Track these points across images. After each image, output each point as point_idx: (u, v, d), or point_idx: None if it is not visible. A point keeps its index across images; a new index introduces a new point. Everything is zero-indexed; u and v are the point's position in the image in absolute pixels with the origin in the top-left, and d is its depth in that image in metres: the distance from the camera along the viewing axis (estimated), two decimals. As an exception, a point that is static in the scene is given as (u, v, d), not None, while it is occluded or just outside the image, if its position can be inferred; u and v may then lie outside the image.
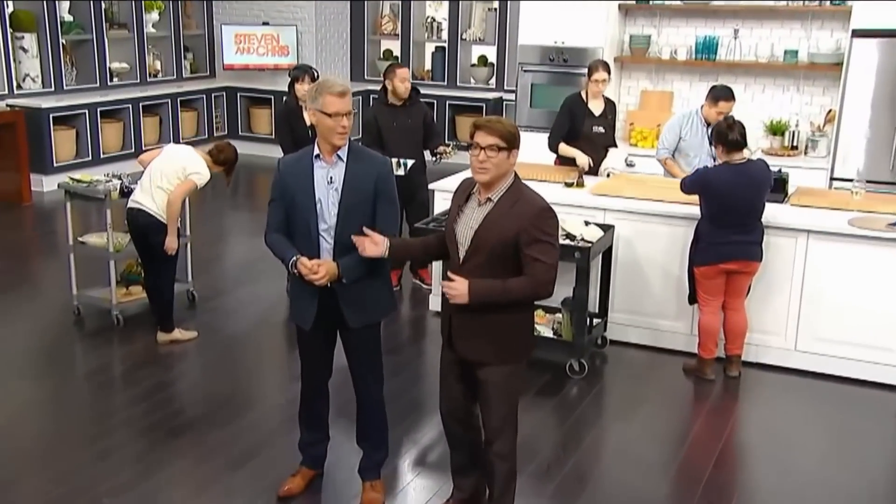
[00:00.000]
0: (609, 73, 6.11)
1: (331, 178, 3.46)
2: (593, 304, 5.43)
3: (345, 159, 3.48)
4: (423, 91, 6.60)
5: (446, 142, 6.39)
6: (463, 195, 3.33)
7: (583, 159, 6.09)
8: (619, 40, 8.30)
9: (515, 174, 3.25)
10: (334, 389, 3.94)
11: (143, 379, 4.99)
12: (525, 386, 4.86)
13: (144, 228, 5.27)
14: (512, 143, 3.15)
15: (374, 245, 3.39)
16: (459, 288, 3.16)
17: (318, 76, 6.00)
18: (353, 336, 3.64)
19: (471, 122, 3.47)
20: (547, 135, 6.28)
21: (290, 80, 6.02)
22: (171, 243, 5.25)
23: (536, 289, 3.14)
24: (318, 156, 3.49)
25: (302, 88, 5.88)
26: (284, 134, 5.93)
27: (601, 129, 6.19)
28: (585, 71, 6.25)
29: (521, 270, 3.15)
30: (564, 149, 6.18)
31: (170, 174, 5.24)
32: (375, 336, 3.70)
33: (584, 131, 6.16)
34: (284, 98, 6.24)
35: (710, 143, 5.34)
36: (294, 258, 3.46)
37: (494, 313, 3.20)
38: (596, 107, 6.19)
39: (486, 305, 3.17)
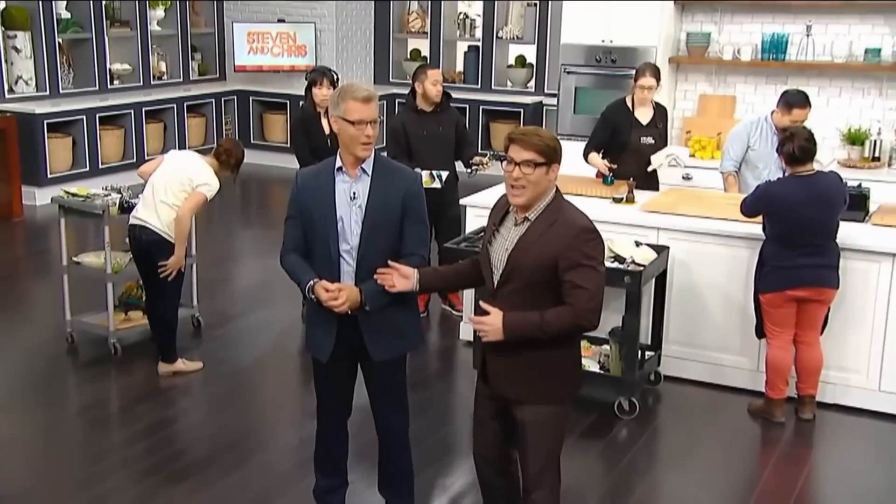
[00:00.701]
0: (658, 78, 6.08)
1: (354, 193, 3.46)
2: (645, 335, 5.37)
3: (370, 173, 3.47)
4: (454, 95, 6.60)
5: (481, 152, 6.38)
6: (499, 213, 3.31)
7: (600, 166, 6.14)
8: (675, 39, 8.26)
9: (557, 189, 3.23)
10: (354, 429, 3.91)
11: (143, 415, 5.00)
12: (568, 428, 4.80)
13: (148, 247, 5.30)
14: (552, 157, 3.13)
15: (402, 279, 3.39)
16: (493, 323, 3.13)
17: (338, 79, 6.03)
18: (375, 370, 3.62)
19: (507, 129, 3.46)
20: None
21: (307, 83, 6.06)
22: (176, 263, 5.28)
23: (578, 320, 3.10)
24: (340, 168, 3.49)
25: (320, 93, 5.91)
26: (301, 143, 5.96)
27: (650, 140, 6.14)
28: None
29: (562, 297, 3.12)
30: (593, 159, 6.20)
31: (175, 187, 5.27)
32: (400, 370, 3.68)
33: (630, 142, 6.11)
34: (301, 103, 6.28)
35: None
36: (311, 282, 3.46)
37: (534, 346, 3.16)
38: (643, 115, 6.15)
39: (523, 340, 3.14)
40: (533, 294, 3.13)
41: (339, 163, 3.49)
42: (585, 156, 6.24)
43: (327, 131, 5.77)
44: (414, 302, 3.67)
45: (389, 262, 3.42)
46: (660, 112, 6.25)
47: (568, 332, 3.16)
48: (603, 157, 6.22)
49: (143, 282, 5.57)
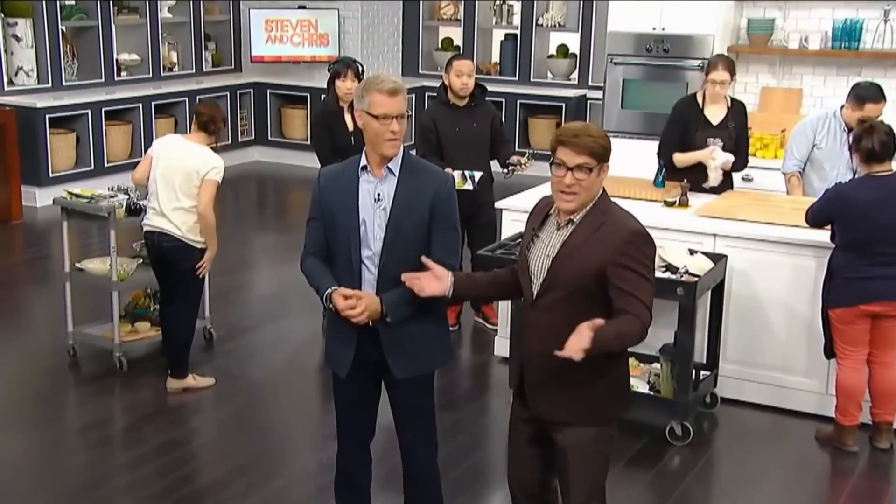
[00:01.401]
0: (732, 72, 5.92)
1: (378, 194, 3.48)
2: (700, 353, 5.34)
3: (397, 173, 3.49)
4: (489, 88, 6.60)
5: (519, 150, 6.37)
6: (539, 216, 3.31)
7: (703, 154, 5.91)
8: (735, 26, 8.21)
9: (602, 189, 3.23)
10: (378, 452, 3.92)
11: (150, 436, 5.04)
12: (615, 454, 4.78)
13: (169, 255, 5.36)
14: (604, 157, 3.14)
15: (435, 281, 3.36)
16: (579, 342, 2.99)
17: (363, 71, 6.06)
18: (399, 389, 3.63)
19: (547, 125, 3.44)
20: (647, 142, 6.19)
21: (329, 75, 6.09)
22: (211, 258, 5.38)
23: (643, 332, 3.09)
24: (364, 167, 3.52)
25: (344, 86, 5.94)
26: (322, 141, 5.99)
27: (719, 143, 6.00)
28: (690, 64, 6.18)
29: (609, 307, 3.11)
30: (681, 158, 6.02)
31: (184, 188, 5.31)
32: (427, 389, 3.68)
33: (695, 145, 6.01)
34: (322, 97, 6.30)
35: (851, 153, 5.22)
36: (329, 289, 3.47)
37: (575, 362, 3.11)
38: (714, 114, 6.03)
39: (554, 335, 3.10)
40: (576, 304, 3.13)
41: (363, 161, 3.51)
42: (668, 160, 6.05)
43: (351, 128, 5.80)
44: (442, 313, 3.66)
45: (423, 258, 3.39)
46: (736, 111, 6.07)
47: (632, 345, 3.15)
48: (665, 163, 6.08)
49: (161, 290, 5.61)
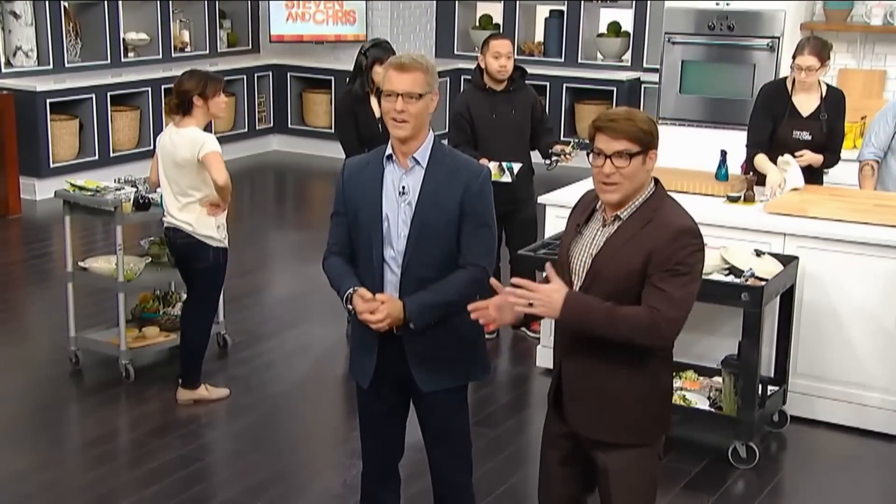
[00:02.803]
0: (822, 57, 5.74)
1: (403, 187, 3.49)
2: (767, 366, 5.30)
3: (424, 164, 3.49)
4: (531, 71, 6.58)
5: (563, 139, 6.36)
6: (585, 211, 3.31)
7: (775, 178, 5.76)
8: (810, 1, 8.13)
9: (656, 181, 3.22)
10: (407, 474, 3.93)
11: (158, 451, 5.06)
12: (665, 477, 4.76)
13: (183, 252, 5.43)
14: (648, 143, 3.13)
15: (510, 308, 3.21)
16: (549, 295, 3.08)
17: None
18: (426, 403, 3.63)
19: (596, 112, 3.42)
20: (709, 130, 6.13)
21: (367, 61, 5.95)
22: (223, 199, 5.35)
23: (654, 327, 3.07)
24: (390, 157, 3.52)
25: (381, 74, 5.88)
26: (348, 130, 5.97)
27: (806, 136, 5.89)
28: (758, 44, 6.13)
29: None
30: (760, 162, 5.91)
31: (189, 179, 5.31)
32: (459, 403, 3.68)
33: (779, 136, 5.91)
34: (348, 81, 6.26)
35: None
36: (350, 290, 3.48)
37: (622, 367, 3.16)
38: (805, 103, 5.90)
39: (592, 342, 3.12)
40: (619, 305, 3.12)
41: (389, 150, 3.52)
42: (751, 158, 5.96)
43: (378, 115, 5.79)
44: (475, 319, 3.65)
45: (514, 280, 3.21)
46: (830, 100, 5.91)
47: (635, 339, 3.11)
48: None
49: (187, 291, 5.68)
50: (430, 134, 3.52)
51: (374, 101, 5.88)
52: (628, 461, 3.23)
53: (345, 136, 6.02)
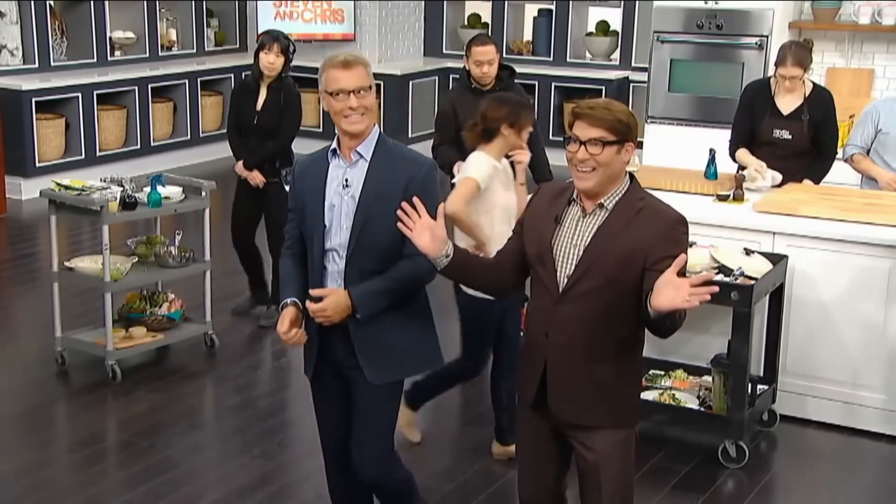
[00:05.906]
0: (805, 65, 5.74)
1: (347, 180, 3.55)
2: (757, 365, 5.31)
3: (368, 157, 3.55)
4: (520, 70, 6.56)
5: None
6: (553, 203, 3.31)
7: (753, 162, 5.85)
8: (798, 0, 8.15)
9: (631, 176, 3.29)
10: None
11: (146, 453, 5.05)
12: (655, 473, 4.76)
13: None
14: (625, 134, 3.18)
15: (428, 234, 3.28)
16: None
17: (294, 51, 6.35)
18: (362, 394, 3.65)
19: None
20: (697, 129, 6.16)
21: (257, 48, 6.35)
22: None
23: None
24: (334, 151, 3.60)
25: (266, 59, 6.25)
26: (230, 120, 6.46)
27: (787, 135, 5.91)
28: (747, 43, 6.14)
29: (640, 300, 3.16)
30: (741, 156, 5.98)
31: None
32: (395, 396, 3.74)
33: (761, 134, 5.95)
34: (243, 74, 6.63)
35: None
36: (285, 301, 3.60)
37: (609, 353, 3.24)
38: (786, 103, 5.91)
39: (589, 347, 3.21)
40: (612, 294, 3.19)
41: (334, 144, 3.59)
42: (732, 153, 6.04)
43: (259, 107, 6.23)
44: (426, 309, 3.70)
45: (415, 199, 3.29)
46: (815, 99, 5.90)
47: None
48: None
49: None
50: (374, 128, 3.59)
51: (262, 92, 6.27)
52: (614, 445, 3.31)
53: (228, 124, 6.52)
